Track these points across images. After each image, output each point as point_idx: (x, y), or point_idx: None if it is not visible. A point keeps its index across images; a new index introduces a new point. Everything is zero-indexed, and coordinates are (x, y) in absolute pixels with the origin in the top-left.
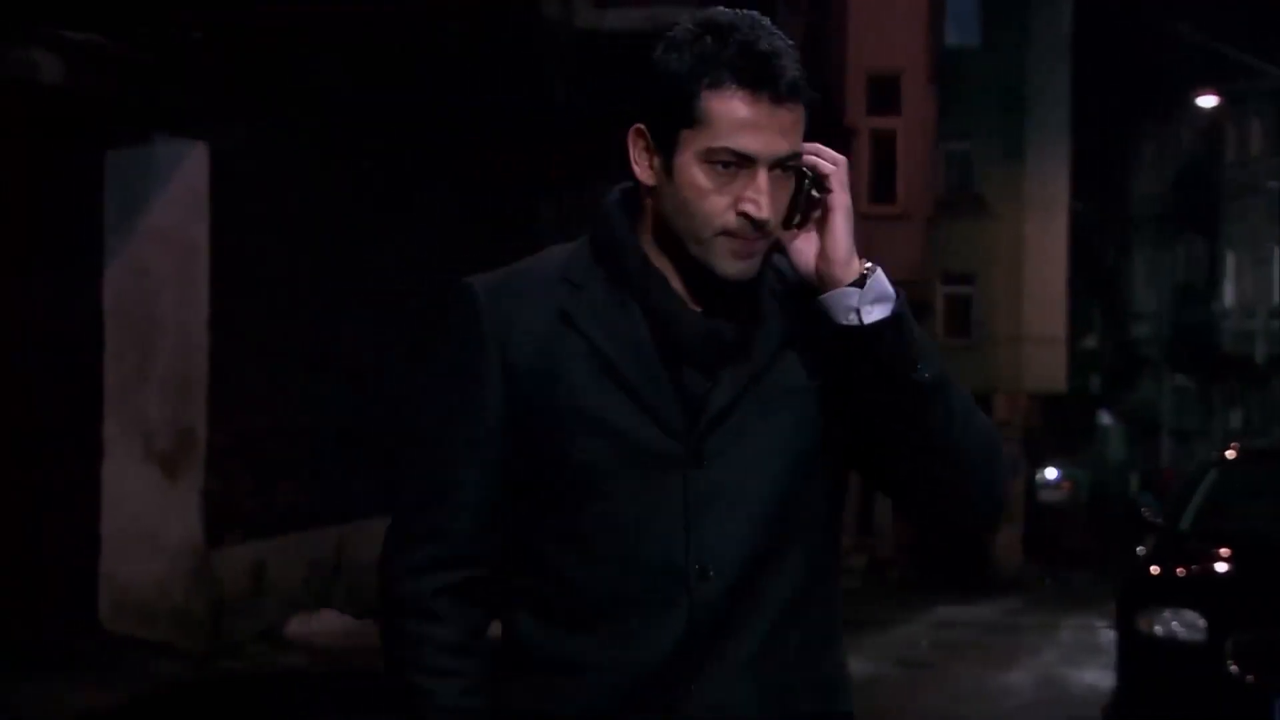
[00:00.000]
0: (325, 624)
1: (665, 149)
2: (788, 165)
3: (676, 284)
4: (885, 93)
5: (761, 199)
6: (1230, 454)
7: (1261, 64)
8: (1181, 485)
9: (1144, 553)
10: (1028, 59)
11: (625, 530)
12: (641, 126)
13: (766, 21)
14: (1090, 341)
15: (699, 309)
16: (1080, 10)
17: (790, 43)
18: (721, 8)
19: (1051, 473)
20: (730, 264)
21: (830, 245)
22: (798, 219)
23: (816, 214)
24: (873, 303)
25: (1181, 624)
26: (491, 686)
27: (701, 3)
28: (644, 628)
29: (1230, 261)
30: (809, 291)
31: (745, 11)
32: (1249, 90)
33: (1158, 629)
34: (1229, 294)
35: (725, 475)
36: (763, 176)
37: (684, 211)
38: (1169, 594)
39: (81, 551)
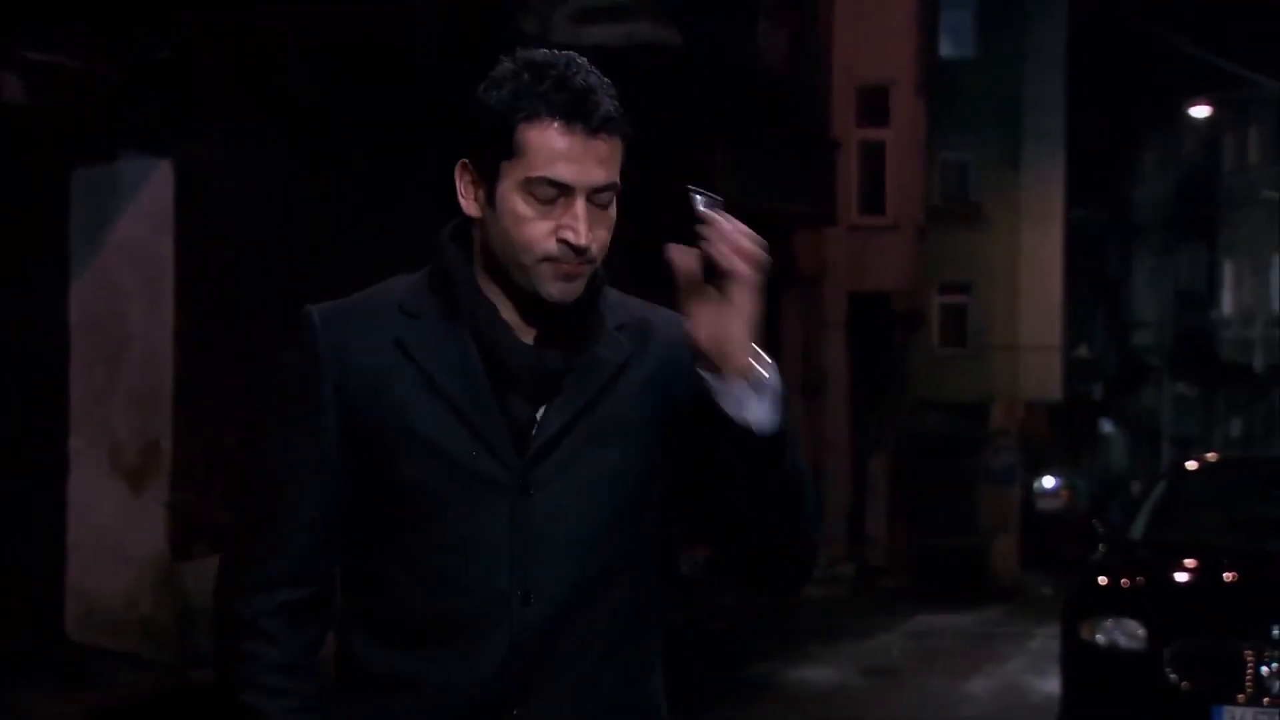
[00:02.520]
0: None
1: (488, 180)
2: (603, 195)
3: (508, 314)
4: (874, 104)
5: (580, 226)
6: (1191, 464)
7: (1256, 75)
8: (1137, 497)
9: (1092, 562)
10: (1023, 69)
11: (452, 552)
12: (466, 161)
13: (584, 61)
14: (1088, 350)
15: (530, 338)
16: (1075, 21)
17: (606, 81)
18: (543, 49)
19: (1050, 481)
20: (553, 286)
21: (728, 332)
22: (702, 282)
23: (720, 285)
24: (761, 402)
25: (1123, 632)
26: (323, 705)
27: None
28: (469, 649)
29: (1229, 270)
30: (650, 325)
31: (563, 52)
32: (1246, 99)
33: (1099, 637)
34: (1228, 302)
35: (551, 504)
36: (580, 205)
37: (507, 239)
38: (1112, 603)
39: (48, 563)
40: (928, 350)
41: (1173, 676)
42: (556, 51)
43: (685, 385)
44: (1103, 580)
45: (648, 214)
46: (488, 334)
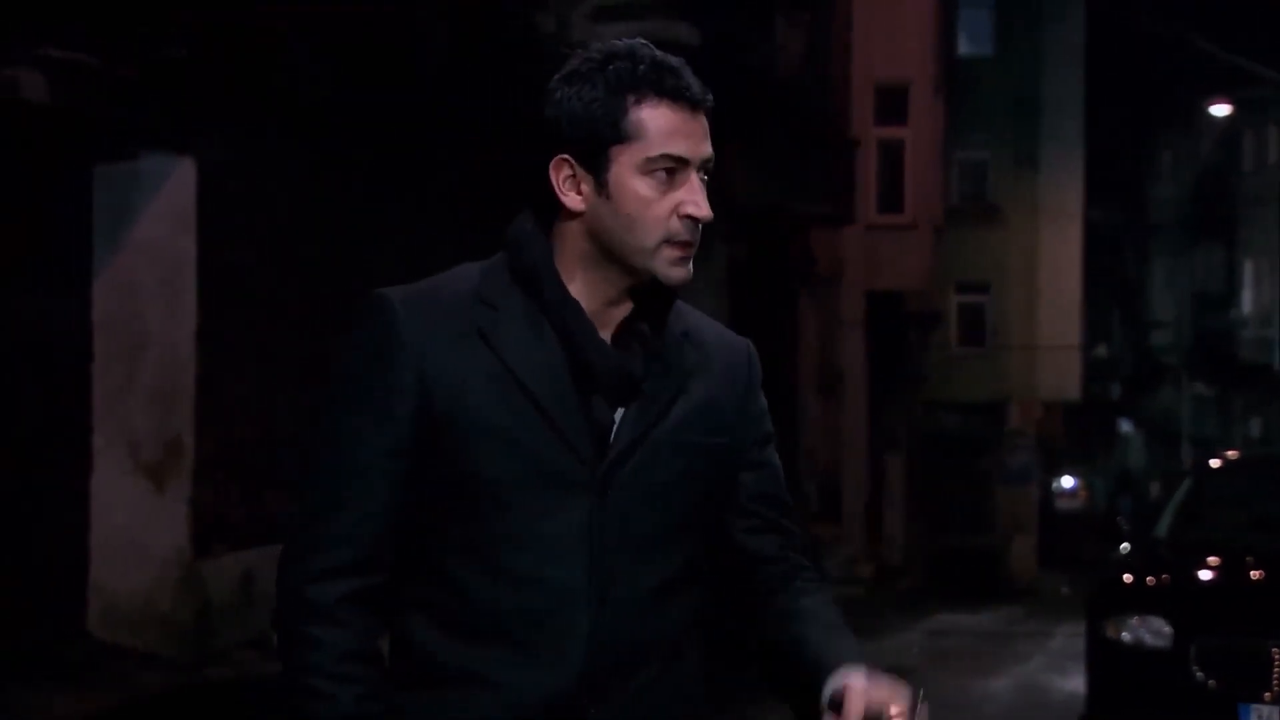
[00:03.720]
0: None
1: (597, 170)
2: (709, 166)
3: (589, 313)
4: (893, 103)
5: (700, 199)
6: (1215, 463)
7: (1276, 74)
8: (1160, 495)
9: (1117, 560)
10: (1041, 69)
11: (527, 550)
12: (566, 157)
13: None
14: (1106, 350)
15: (607, 338)
16: (1092, 20)
17: (681, 60)
18: (613, 41)
19: (1068, 481)
20: (673, 270)
21: None
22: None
23: None
24: None
25: (1148, 630)
26: (388, 693)
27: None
28: (548, 650)
29: (1248, 269)
30: (708, 338)
31: (632, 39)
32: (1265, 98)
33: (1125, 635)
34: (1247, 302)
35: (626, 506)
36: (695, 178)
37: (628, 224)
38: (1137, 601)
39: (70, 561)
40: (945, 350)
41: (1199, 675)
42: (624, 40)
43: (734, 417)
44: (1127, 578)
45: None
46: (574, 332)
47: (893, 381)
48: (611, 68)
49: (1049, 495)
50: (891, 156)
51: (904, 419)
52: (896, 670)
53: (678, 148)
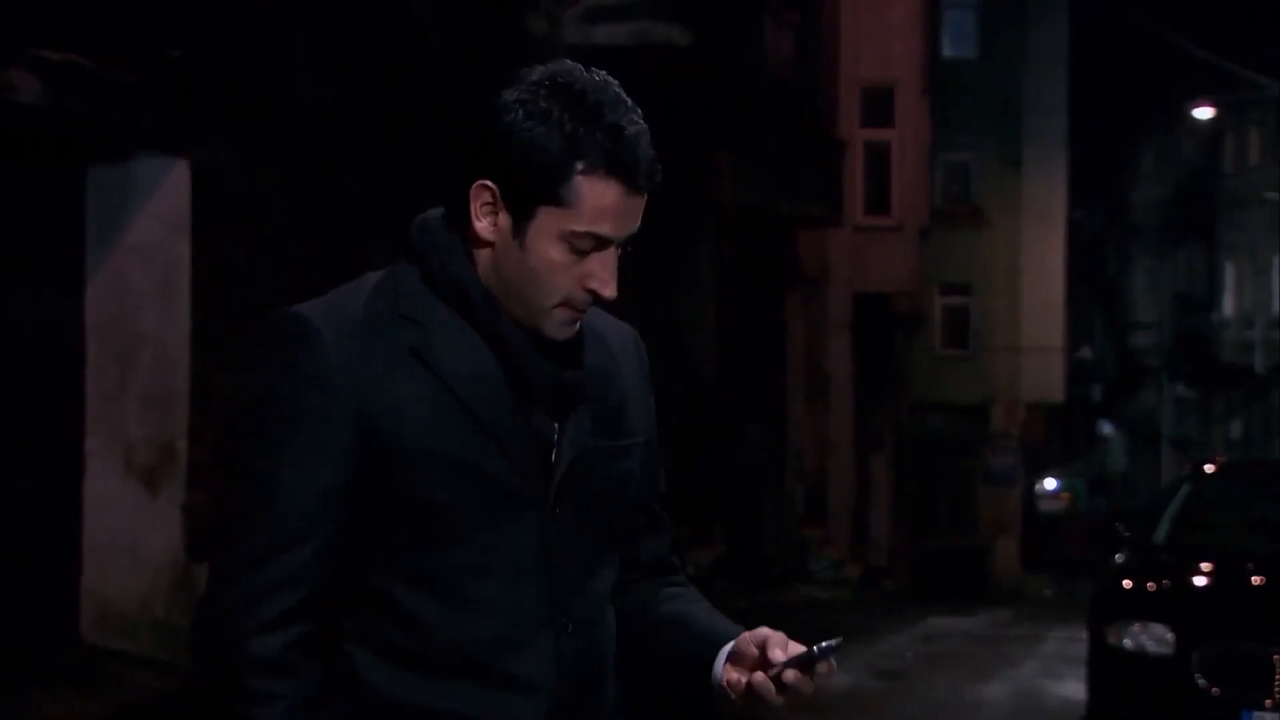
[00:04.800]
0: None
1: (518, 216)
2: (629, 242)
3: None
4: (879, 105)
5: (610, 278)
6: (1209, 468)
7: (1259, 75)
8: (1156, 498)
9: (1117, 565)
10: (1025, 70)
11: (483, 576)
12: (490, 185)
13: (621, 92)
14: (1090, 352)
15: (533, 348)
16: (1077, 22)
17: (641, 115)
18: (576, 69)
19: (1050, 483)
20: (561, 330)
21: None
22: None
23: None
24: None
25: (1150, 637)
26: None
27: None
28: (517, 677)
29: (1230, 271)
30: (605, 331)
31: (600, 78)
32: (1247, 100)
33: (1127, 642)
34: (1228, 304)
35: (575, 521)
36: (612, 256)
37: (531, 279)
38: (1139, 607)
39: (62, 565)
40: (929, 351)
41: (1201, 681)
42: (595, 78)
43: (642, 411)
44: (1127, 584)
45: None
46: (510, 346)
47: (878, 383)
48: (569, 122)
49: (1031, 497)
50: (878, 158)
51: (889, 421)
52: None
53: (605, 228)
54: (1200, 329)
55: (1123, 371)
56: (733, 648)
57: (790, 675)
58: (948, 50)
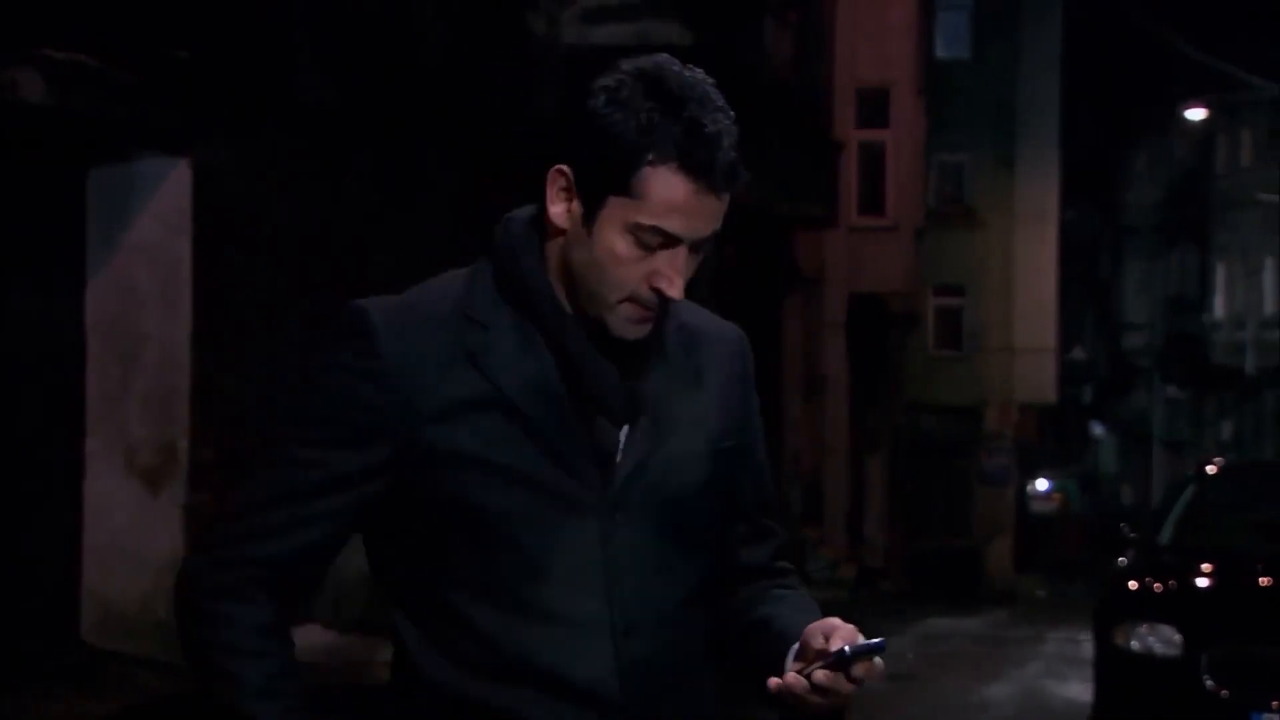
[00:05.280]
0: (309, 638)
1: (588, 203)
2: (704, 245)
3: (582, 327)
4: (875, 106)
5: (678, 279)
6: (1210, 469)
7: (1251, 77)
8: (1161, 499)
9: (1122, 566)
10: (1018, 71)
11: (544, 583)
12: (565, 169)
13: (712, 90)
14: (1081, 352)
15: (602, 353)
16: (1070, 23)
17: (732, 117)
18: (671, 64)
19: (1043, 484)
20: (629, 329)
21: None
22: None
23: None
24: None
25: (1158, 639)
26: (298, 673)
27: (684, 18)
28: (578, 684)
29: (1221, 273)
30: (703, 333)
31: (694, 76)
32: (1240, 102)
33: (1134, 643)
34: (1220, 305)
35: (639, 529)
36: (682, 256)
37: (594, 273)
38: (1146, 608)
39: (63, 566)
40: (923, 352)
41: (1210, 683)
42: (688, 74)
43: (738, 415)
44: (1133, 585)
45: None
46: (573, 353)
47: (873, 385)
48: (648, 112)
49: (1024, 498)
50: (873, 159)
51: (885, 422)
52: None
53: (673, 225)
54: (1192, 330)
55: (1114, 372)
56: (799, 643)
57: (821, 675)
58: (942, 51)
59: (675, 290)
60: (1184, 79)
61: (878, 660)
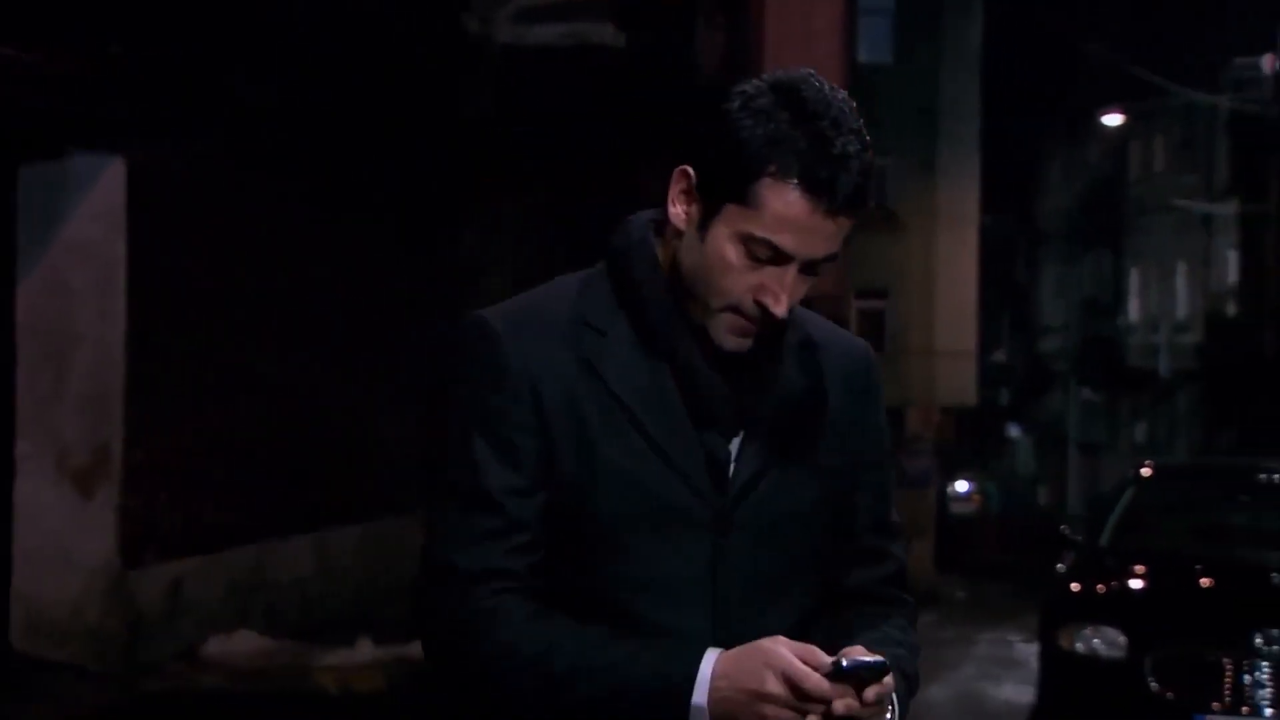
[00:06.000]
0: (243, 644)
1: (706, 207)
2: (818, 266)
3: (694, 336)
4: None
5: (783, 296)
6: (1146, 471)
7: (1166, 83)
8: (1101, 501)
9: (1064, 569)
10: (940, 76)
11: (645, 592)
12: (689, 171)
13: (850, 112)
14: (1002, 355)
15: (719, 365)
16: (990, 28)
17: (865, 142)
18: (813, 79)
19: (963, 485)
20: (728, 339)
21: None
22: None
23: None
24: None
25: (1103, 641)
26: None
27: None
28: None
29: (1135, 277)
30: (826, 349)
31: (833, 95)
32: (1153, 109)
33: (1079, 645)
34: (1134, 309)
35: (752, 546)
36: (791, 274)
37: (702, 277)
38: (1090, 611)
39: None
40: None
41: (1154, 685)
42: (829, 91)
43: (855, 433)
44: (1076, 587)
45: (583, 215)
46: (687, 363)
47: None
48: (777, 124)
49: (944, 499)
50: None
51: None
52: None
53: (784, 241)
54: (1107, 334)
55: (1031, 375)
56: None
57: (813, 684)
58: (864, 55)
59: (779, 308)
60: (1100, 85)
61: (887, 680)
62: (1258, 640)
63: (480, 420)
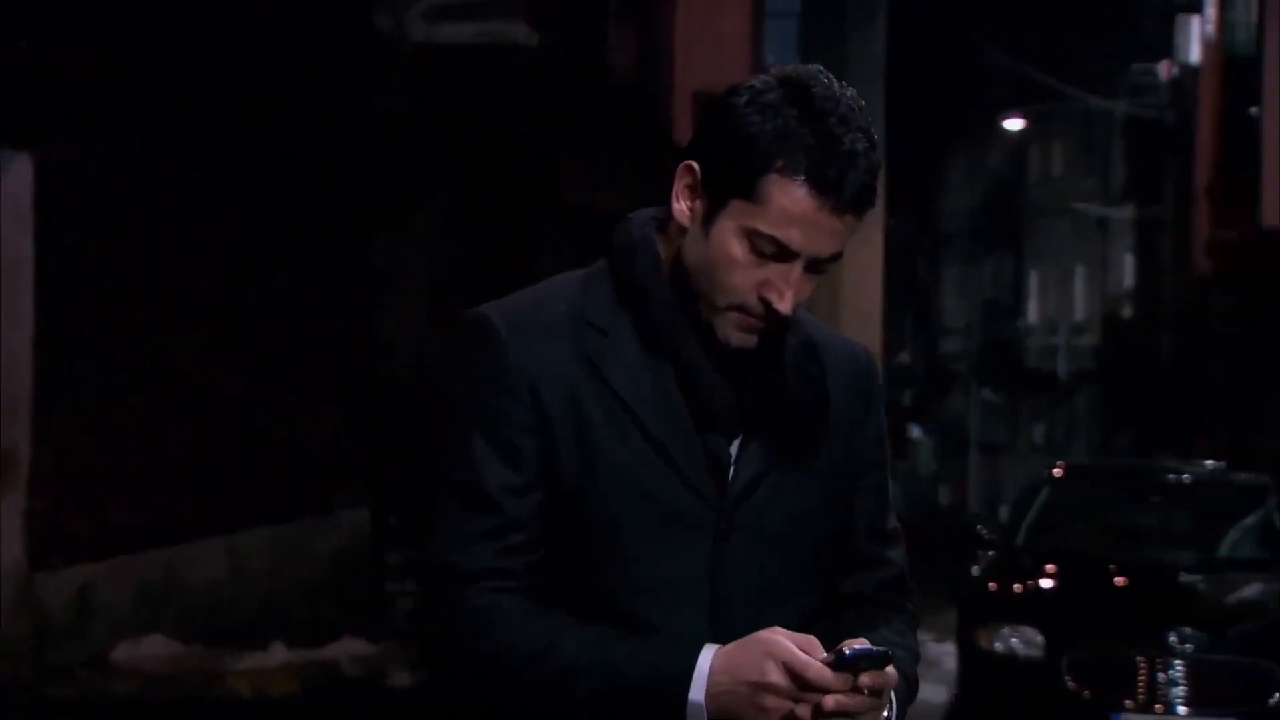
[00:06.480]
0: (154, 649)
1: (711, 203)
2: (823, 264)
3: (699, 334)
4: None
5: (788, 293)
6: (1057, 472)
7: (1064, 87)
8: (1016, 501)
9: (980, 569)
10: (844, 79)
11: (646, 595)
12: (694, 166)
13: (858, 110)
14: (907, 356)
15: (716, 360)
16: (894, 33)
17: (873, 141)
18: (821, 76)
19: None
20: (735, 335)
21: None
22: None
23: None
24: None
25: (1020, 640)
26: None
27: (531, 18)
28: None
29: (1035, 279)
30: (825, 350)
31: (842, 92)
32: (1051, 113)
33: (997, 645)
34: (1033, 311)
35: (753, 550)
36: (796, 271)
37: (706, 273)
38: (1008, 610)
39: None
40: None
41: (1071, 684)
42: (838, 89)
43: (856, 437)
44: (993, 586)
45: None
46: (690, 364)
47: None
48: (785, 120)
49: None
50: None
51: None
52: None
53: (790, 237)
54: (1007, 335)
55: (933, 376)
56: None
57: (814, 672)
58: (770, 58)
59: (784, 304)
60: (1001, 89)
61: (890, 670)
62: (1171, 639)
63: (479, 419)
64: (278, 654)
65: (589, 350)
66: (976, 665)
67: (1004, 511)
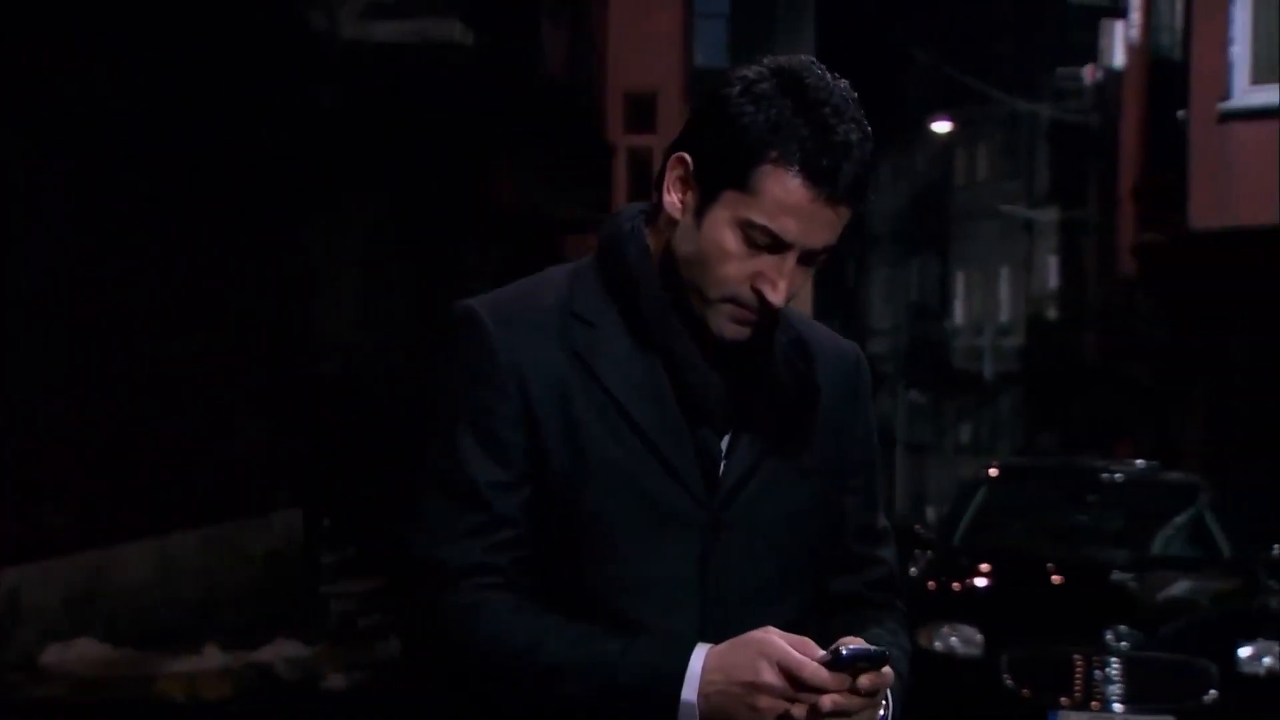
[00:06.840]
0: (83, 652)
1: (704, 194)
2: (816, 256)
3: (688, 328)
4: (643, 110)
5: (781, 284)
6: (994, 471)
7: (990, 90)
8: (953, 501)
9: (919, 569)
10: None
11: (634, 593)
12: (686, 158)
13: (852, 101)
14: None
15: (706, 356)
16: (822, 35)
17: (867, 131)
18: (814, 66)
19: None
20: (728, 328)
21: None
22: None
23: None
24: None
25: (960, 639)
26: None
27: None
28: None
29: (961, 281)
30: (812, 346)
31: (835, 83)
32: (977, 116)
33: (937, 644)
34: (960, 312)
35: (742, 546)
36: (790, 262)
37: (699, 266)
38: (947, 609)
39: None
40: None
41: (1009, 682)
42: (825, 77)
43: (845, 435)
44: (932, 585)
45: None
46: (680, 357)
47: None
48: (779, 110)
49: None
50: (640, 164)
51: None
52: None
53: (783, 228)
54: (934, 336)
55: None
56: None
57: (810, 672)
58: (700, 59)
59: (777, 296)
60: (928, 92)
61: (886, 670)
62: (1108, 637)
63: (466, 414)
64: (211, 656)
65: (577, 344)
66: (915, 664)
67: (931, 512)
